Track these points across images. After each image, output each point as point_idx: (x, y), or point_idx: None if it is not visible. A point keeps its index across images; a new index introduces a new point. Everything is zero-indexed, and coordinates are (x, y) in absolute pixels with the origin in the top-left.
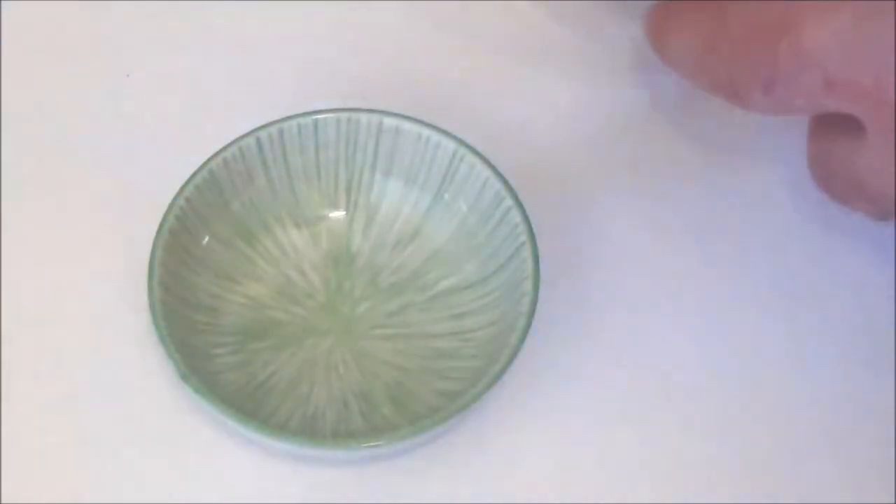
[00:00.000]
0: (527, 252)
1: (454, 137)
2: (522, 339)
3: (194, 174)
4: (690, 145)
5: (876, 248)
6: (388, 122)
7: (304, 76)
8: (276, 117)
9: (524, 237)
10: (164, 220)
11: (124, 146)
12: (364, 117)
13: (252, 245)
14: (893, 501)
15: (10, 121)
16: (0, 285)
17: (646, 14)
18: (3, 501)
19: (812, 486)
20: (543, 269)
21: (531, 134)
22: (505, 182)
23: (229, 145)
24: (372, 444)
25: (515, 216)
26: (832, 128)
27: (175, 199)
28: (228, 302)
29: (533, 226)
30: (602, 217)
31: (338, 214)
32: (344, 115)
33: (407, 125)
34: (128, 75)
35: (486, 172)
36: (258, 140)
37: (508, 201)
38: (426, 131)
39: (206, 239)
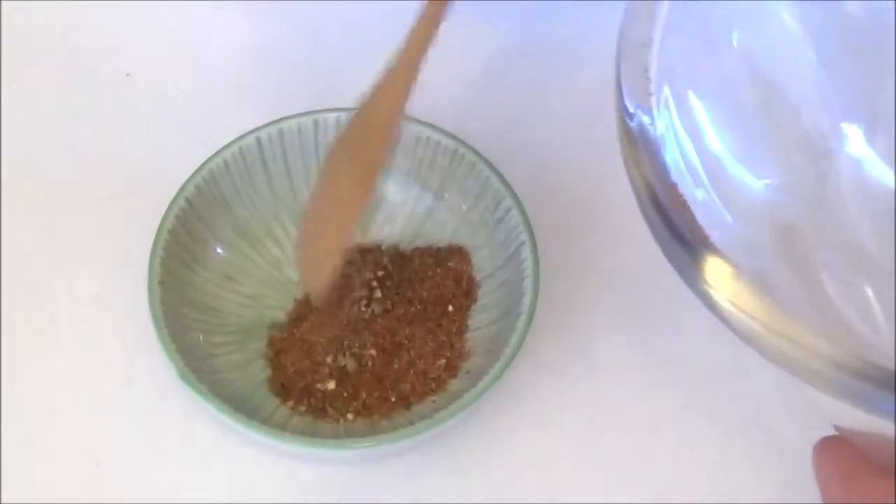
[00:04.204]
0: (527, 252)
1: (454, 137)
2: (522, 339)
3: (194, 174)
4: None
5: None
6: None
7: (305, 76)
8: (276, 117)
9: (524, 237)
10: (164, 220)
11: (124, 146)
12: None
13: (252, 245)
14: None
15: (10, 121)
16: (0, 285)
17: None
18: (3, 501)
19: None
20: (543, 269)
21: (532, 134)
22: (505, 182)
23: (229, 145)
24: (372, 444)
25: (515, 216)
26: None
27: (175, 199)
28: (228, 302)
29: (533, 226)
30: (602, 217)
31: None
32: (344, 115)
33: (407, 125)
34: (128, 75)
35: (487, 172)
36: (258, 140)
37: (508, 201)
38: (426, 131)
39: (207, 239)
